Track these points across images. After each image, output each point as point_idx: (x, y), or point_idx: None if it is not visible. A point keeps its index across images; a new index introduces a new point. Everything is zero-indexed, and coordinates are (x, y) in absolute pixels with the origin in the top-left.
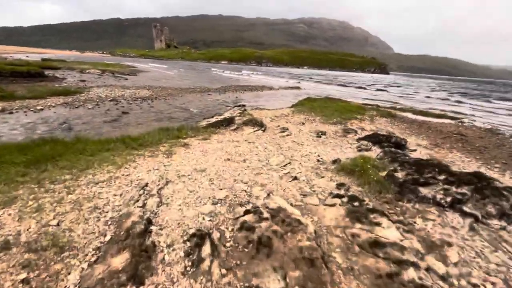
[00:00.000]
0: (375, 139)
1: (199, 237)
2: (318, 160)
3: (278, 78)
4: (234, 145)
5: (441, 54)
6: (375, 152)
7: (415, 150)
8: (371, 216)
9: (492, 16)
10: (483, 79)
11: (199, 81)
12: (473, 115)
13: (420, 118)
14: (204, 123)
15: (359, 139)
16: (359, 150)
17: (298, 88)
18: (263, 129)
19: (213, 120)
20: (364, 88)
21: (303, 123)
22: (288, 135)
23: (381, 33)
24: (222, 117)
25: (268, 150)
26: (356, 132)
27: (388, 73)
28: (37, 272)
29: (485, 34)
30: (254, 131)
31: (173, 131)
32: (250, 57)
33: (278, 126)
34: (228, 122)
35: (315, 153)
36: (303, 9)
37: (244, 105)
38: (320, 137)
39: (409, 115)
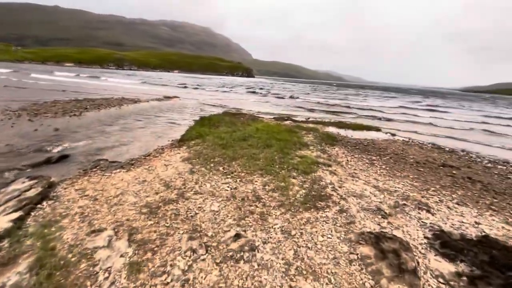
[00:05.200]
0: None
1: None
2: None
3: (145, 85)
4: None
5: (287, 61)
6: None
7: None
8: None
9: (323, 31)
10: (315, 80)
11: None
12: (368, 117)
13: (355, 135)
14: None
15: None
16: None
17: (176, 97)
18: None
19: None
20: (248, 92)
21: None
22: None
23: (241, 40)
24: None
25: None
26: (392, 239)
27: (254, 77)
28: None
29: (317, 46)
30: None
31: None
32: (107, 59)
33: None
34: None
35: None
36: (162, 11)
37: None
38: None
39: (342, 132)
